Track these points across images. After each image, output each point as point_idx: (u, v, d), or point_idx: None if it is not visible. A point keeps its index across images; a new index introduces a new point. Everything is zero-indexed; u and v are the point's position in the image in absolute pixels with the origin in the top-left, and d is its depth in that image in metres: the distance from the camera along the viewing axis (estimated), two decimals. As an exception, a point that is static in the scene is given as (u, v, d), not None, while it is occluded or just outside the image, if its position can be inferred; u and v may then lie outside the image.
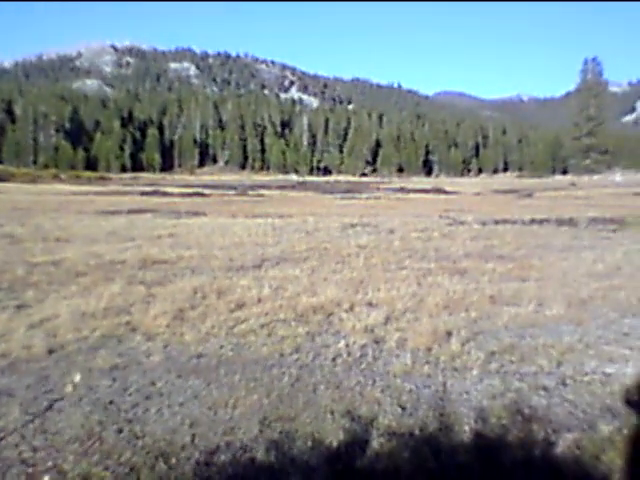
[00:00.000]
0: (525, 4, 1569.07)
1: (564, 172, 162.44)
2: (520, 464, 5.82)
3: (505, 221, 31.13)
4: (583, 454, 6.02)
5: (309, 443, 6.07)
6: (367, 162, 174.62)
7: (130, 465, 5.58)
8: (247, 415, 6.67)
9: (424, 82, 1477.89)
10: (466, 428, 6.47)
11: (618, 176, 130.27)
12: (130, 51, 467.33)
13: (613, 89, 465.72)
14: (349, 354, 8.77)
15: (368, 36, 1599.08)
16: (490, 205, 49.90)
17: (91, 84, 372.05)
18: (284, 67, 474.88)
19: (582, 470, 5.85)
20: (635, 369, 8.07)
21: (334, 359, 8.57)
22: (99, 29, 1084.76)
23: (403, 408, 6.91)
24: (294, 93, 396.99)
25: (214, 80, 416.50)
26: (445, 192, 79.57)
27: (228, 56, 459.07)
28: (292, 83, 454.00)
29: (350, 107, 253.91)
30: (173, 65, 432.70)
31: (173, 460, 5.67)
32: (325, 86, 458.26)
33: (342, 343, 9.23)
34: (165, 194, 64.22)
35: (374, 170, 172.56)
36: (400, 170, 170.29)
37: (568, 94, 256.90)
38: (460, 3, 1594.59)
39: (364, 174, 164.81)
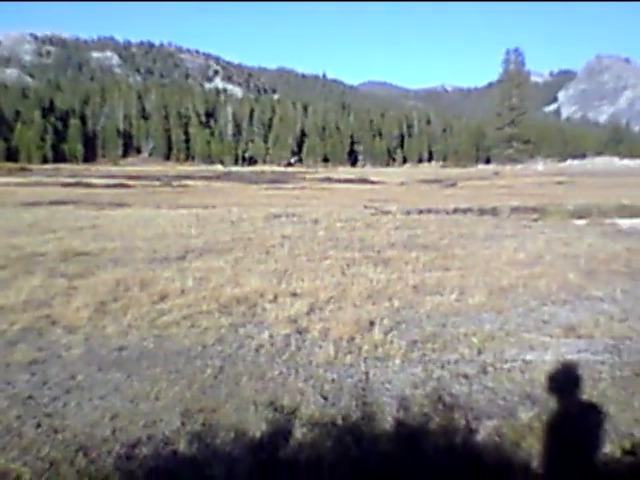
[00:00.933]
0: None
1: (487, 161, 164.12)
2: (442, 452, 5.88)
3: (429, 211, 31.37)
4: (503, 441, 6.10)
5: (232, 434, 6.05)
6: (292, 152, 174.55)
7: (49, 460, 5.50)
8: (169, 407, 6.63)
9: (349, 72, 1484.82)
10: (388, 417, 6.52)
11: (540, 165, 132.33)
12: (51, 40, 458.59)
13: (535, 79, 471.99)
14: (272, 345, 8.76)
15: (293, 25, 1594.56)
16: (414, 195, 50.28)
17: (10, 73, 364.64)
18: (208, 56, 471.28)
19: (502, 456, 5.93)
20: (554, 356, 8.19)
21: (257, 350, 8.56)
22: (18, 17, 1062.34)
23: (326, 398, 6.93)
24: (218, 83, 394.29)
25: (137, 70, 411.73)
26: (370, 182, 79.90)
27: (151, 45, 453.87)
28: (216, 73, 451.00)
29: (275, 97, 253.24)
30: (95, 54, 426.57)
31: (93, 454, 5.60)
32: (250, 76, 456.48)
33: (265, 334, 9.22)
34: (88, 185, 63.39)
35: (299, 160, 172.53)
36: (325, 160, 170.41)
37: (491, 84, 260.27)
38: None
39: (289, 164, 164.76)
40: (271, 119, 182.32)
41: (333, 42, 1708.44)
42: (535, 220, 26.94)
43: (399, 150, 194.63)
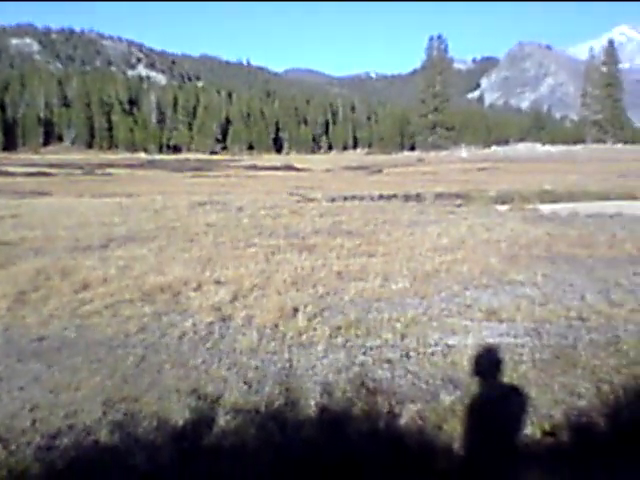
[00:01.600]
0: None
1: (412, 148, 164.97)
2: (365, 436, 5.91)
3: (354, 197, 31.49)
4: (426, 424, 6.16)
5: (154, 423, 6.02)
6: (217, 140, 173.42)
7: (-33, 452, 5.41)
8: (90, 397, 6.55)
9: (274, 59, 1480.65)
10: (312, 403, 6.53)
11: (464, 152, 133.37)
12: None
13: (458, 66, 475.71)
14: (195, 333, 8.73)
15: (215, 12, 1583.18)
16: (340, 182, 50.40)
17: None
18: (131, 43, 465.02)
19: (425, 440, 5.99)
20: (476, 340, 8.29)
21: (180, 338, 8.51)
22: None
23: (249, 385, 6.93)
24: (141, 70, 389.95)
25: (58, 57, 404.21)
26: (295, 169, 79.90)
27: (72, 32, 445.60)
28: (139, 60, 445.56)
29: (199, 84, 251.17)
30: (14, 41, 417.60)
31: (13, 446, 5.52)
32: (173, 63, 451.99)
33: (189, 322, 9.17)
34: (8, 174, 62.20)
35: (224, 148, 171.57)
36: (251, 147, 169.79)
37: (415, 71, 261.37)
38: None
39: (214, 152, 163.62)
40: (195, 107, 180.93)
41: (257, 29, 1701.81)
42: (459, 206, 27.24)
43: (324, 137, 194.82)
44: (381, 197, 31.71)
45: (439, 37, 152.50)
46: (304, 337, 8.43)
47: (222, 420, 6.11)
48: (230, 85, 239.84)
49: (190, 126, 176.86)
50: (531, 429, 6.11)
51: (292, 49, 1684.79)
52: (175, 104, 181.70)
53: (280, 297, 10.40)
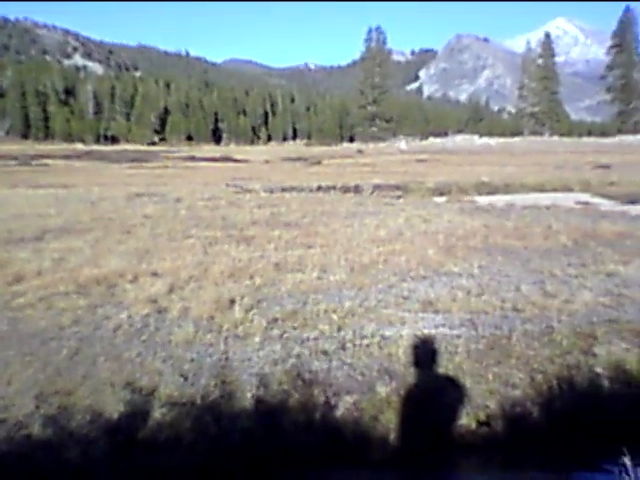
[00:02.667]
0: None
1: (351, 140, 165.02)
2: (301, 428, 5.92)
3: (292, 189, 31.44)
4: (362, 415, 6.19)
5: (88, 416, 5.97)
6: (155, 131, 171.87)
7: None
8: (22, 391, 6.47)
9: (212, 49, 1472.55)
10: (248, 395, 6.54)
11: (402, 143, 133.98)
12: None
13: (397, 58, 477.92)
14: (131, 325, 8.66)
15: (153, 1, 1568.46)
16: (278, 173, 50.27)
17: None
18: (67, 32, 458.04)
19: (361, 430, 6.02)
20: (412, 331, 8.33)
21: (115, 330, 8.43)
22: None
23: (185, 378, 6.90)
24: (78, 59, 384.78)
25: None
26: (234, 160, 79.53)
27: (6, 20, 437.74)
28: (75, 49, 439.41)
29: (137, 74, 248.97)
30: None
31: (-58, 442, 5.44)
32: (110, 52, 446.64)
33: (124, 314, 9.09)
34: (-61, 165, 61.04)
35: (163, 139, 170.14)
36: (189, 138, 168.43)
37: (354, 63, 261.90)
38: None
39: (153, 143, 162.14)
40: (133, 97, 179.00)
41: (195, 19, 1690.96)
42: (397, 197, 27.37)
43: (263, 128, 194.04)
44: (320, 188, 31.69)
45: (378, 29, 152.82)
46: (240, 329, 8.40)
47: (157, 413, 6.09)
48: (168, 75, 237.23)
49: (128, 117, 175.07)
50: (466, 419, 6.18)
51: (231, 40, 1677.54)
52: (112, 94, 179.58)
53: (217, 289, 10.36)
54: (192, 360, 7.38)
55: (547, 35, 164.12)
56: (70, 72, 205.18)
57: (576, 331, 8.21)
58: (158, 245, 14.66)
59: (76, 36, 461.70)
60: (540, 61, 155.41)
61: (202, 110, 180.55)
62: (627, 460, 3.32)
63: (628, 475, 3.29)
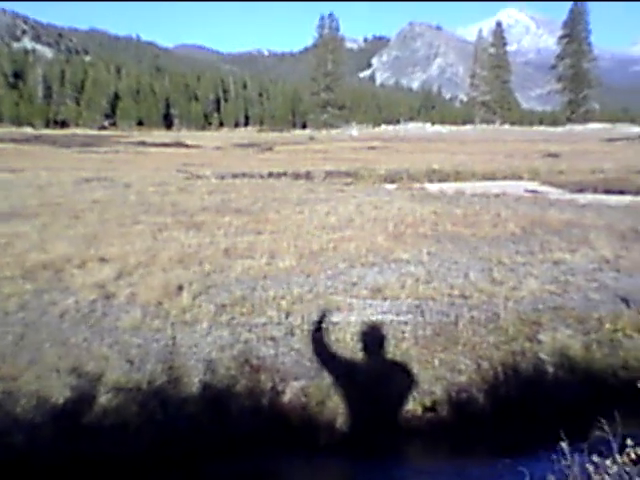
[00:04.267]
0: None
1: (304, 126, 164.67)
2: (248, 413, 5.92)
3: (244, 175, 31.40)
4: (309, 401, 6.21)
5: (33, 402, 5.93)
6: (106, 115, 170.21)
7: None
8: (-34, 377, 6.41)
9: (164, 34, 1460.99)
10: (195, 380, 6.54)
11: (354, 130, 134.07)
12: None
13: (350, 45, 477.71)
14: (78, 311, 8.59)
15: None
16: (230, 159, 50.12)
17: None
18: (15, 15, 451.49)
19: (308, 415, 6.04)
20: (360, 317, 8.36)
21: (62, 316, 8.37)
22: None
23: (131, 363, 6.87)
24: (27, 43, 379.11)
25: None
26: (185, 146, 79.07)
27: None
28: (24, 32, 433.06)
29: (87, 58, 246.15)
30: None
31: None
32: (60, 36, 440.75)
33: (71, 300, 9.02)
34: None
35: (113, 124, 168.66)
36: (140, 124, 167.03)
37: (307, 49, 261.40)
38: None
39: (103, 127, 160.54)
40: (83, 81, 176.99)
41: (146, 3, 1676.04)
42: (348, 184, 27.39)
43: (216, 114, 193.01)
44: (271, 175, 31.68)
45: (330, 16, 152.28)
46: (188, 315, 8.38)
47: (103, 398, 6.07)
48: (119, 60, 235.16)
49: (78, 101, 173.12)
50: (412, 405, 6.22)
51: (182, 25, 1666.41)
52: (62, 78, 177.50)
53: (165, 275, 10.32)
54: (139, 346, 7.35)
55: (499, 24, 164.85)
56: (19, 55, 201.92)
57: (522, 318, 8.29)
58: (107, 230, 14.56)
59: (25, 19, 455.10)
60: (492, 50, 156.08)
61: (153, 95, 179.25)
62: (565, 445, 3.37)
63: (565, 460, 3.33)
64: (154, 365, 6.82)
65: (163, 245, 12.86)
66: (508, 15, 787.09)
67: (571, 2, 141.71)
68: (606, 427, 3.49)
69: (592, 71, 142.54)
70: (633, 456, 3.09)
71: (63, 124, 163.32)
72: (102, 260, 11.41)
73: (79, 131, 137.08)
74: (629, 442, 3.12)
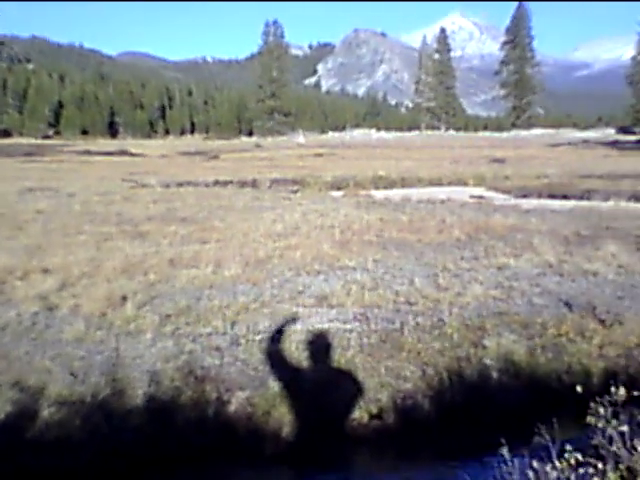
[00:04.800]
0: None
1: (250, 134, 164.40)
2: (194, 424, 5.90)
3: (189, 183, 31.28)
4: (255, 410, 6.20)
5: (-26, 417, 5.84)
6: (50, 124, 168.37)
7: None
8: None
9: (107, 42, 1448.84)
10: (139, 392, 6.49)
11: (301, 137, 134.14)
12: None
13: (295, 52, 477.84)
14: (19, 323, 8.48)
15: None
16: (175, 167, 49.90)
17: None
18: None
19: (254, 425, 6.03)
20: (306, 325, 8.36)
21: (3, 329, 8.26)
22: None
23: (75, 376, 6.80)
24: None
25: None
26: (131, 154, 78.65)
27: None
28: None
29: (30, 66, 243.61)
30: None
31: None
32: (1, 44, 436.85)
33: (13, 312, 8.90)
34: None
35: (58, 132, 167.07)
36: (85, 132, 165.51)
37: (252, 56, 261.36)
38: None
39: (47, 136, 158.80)
40: (26, 90, 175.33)
41: (89, 10, 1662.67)
42: (294, 192, 27.40)
43: (161, 122, 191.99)
44: (217, 183, 31.59)
45: (275, 22, 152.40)
46: (132, 326, 8.32)
47: (46, 412, 6.00)
48: (62, 68, 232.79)
49: (21, 110, 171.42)
50: (359, 412, 6.24)
51: (125, 32, 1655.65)
52: (4, 87, 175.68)
53: (110, 285, 10.24)
54: (82, 358, 7.28)
55: (442, 30, 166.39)
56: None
57: (467, 324, 8.36)
58: (50, 241, 14.39)
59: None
60: (436, 56, 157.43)
61: (97, 104, 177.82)
62: (505, 451, 3.40)
63: (506, 465, 3.36)
64: (98, 377, 6.76)
65: (107, 255, 12.74)
66: (452, 21, 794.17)
67: (513, 7, 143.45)
68: (545, 433, 3.52)
69: (535, 77, 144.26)
70: (572, 461, 3.12)
71: (6, 133, 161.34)
72: (45, 271, 11.27)
73: (22, 140, 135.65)
74: (568, 447, 3.14)
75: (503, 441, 3.50)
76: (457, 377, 6.78)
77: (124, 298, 9.44)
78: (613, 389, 3.40)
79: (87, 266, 11.62)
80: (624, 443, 3.08)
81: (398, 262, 12.28)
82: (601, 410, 3.28)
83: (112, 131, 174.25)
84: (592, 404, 3.38)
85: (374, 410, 6.32)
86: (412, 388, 6.65)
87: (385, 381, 6.75)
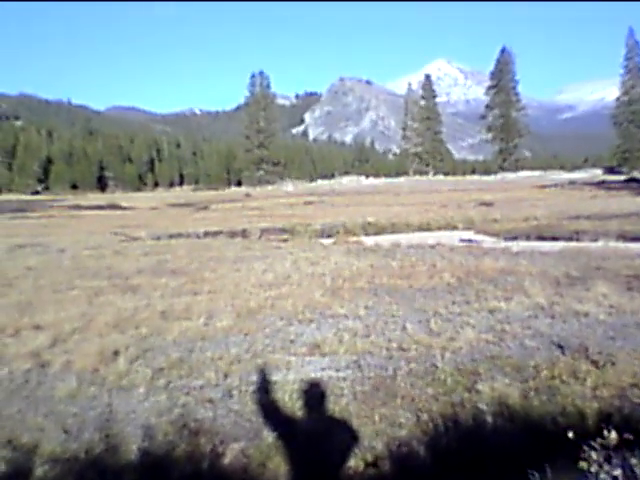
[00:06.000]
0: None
1: (239, 184, 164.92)
2: (189, 477, 5.86)
3: (179, 235, 31.37)
4: (250, 462, 6.15)
5: (-35, 478, 5.80)
6: (39, 180, 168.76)
7: None
8: None
9: (95, 97, 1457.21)
10: (133, 447, 6.43)
11: (290, 186, 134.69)
12: None
13: (282, 102, 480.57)
14: (11, 381, 8.44)
15: (34, 51, 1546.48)
16: (165, 219, 49.98)
17: None
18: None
19: (249, 477, 5.98)
20: (299, 375, 8.33)
21: (-4, 388, 8.21)
22: None
23: (68, 433, 6.76)
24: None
25: None
26: (120, 208, 78.91)
27: None
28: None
29: (18, 123, 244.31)
30: None
31: None
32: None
33: (4, 370, 8.86)
34: None
35: (47, 188, 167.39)
36: (74, 187, 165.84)
37: (239, 107, 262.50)
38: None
39: (37, 192, 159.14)
40: (15, 146, 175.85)
41: (77, 67, 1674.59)
42: (284, 240, 27.48)
43: (150, 174, 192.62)
44: (207, 234, 31.69)
45: (261, 73, 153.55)
46: (125, 380, 8.28)
47: (39, 470, 5.95)
48: (51, 124, 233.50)
49: (10, 166, 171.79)
50: (354, 461, 6.18)
51: (113, 87, 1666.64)
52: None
53: (101, 340, 10.21)
54: (75, 414, 7.24)
55: (427, 77, 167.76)
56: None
57: (460, 368, 8.32)
58: (41, 297, 14.38)
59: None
60: (422, 102, 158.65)
61: (86, 158, 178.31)
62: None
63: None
64: (91, 434, 6.71)
65: (99, 310, 12.72)
66: (437, 68, 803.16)
67: (497, 52, 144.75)
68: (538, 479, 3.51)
69: (521, 120, 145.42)
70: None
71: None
72: (36, 327, 11.25)
73: (12, 196, 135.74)
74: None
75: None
76: (451, 422, 6.73)
77: (116, 353, 9.40)
78: (605, 433, 3.39)
79: (79, 321, 11.59)
80: (618, 487, 3.07)
81: (390, 308, 12.25)
82: (593, 455, 3.27)
83: (101, 185, 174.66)
84: (585, 448, 3.37)
85: (369, 458, 6.26)
86: (407, 435, 6.60)
87: (380, 428, 6.71)
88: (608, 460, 3.23)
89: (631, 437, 3.49)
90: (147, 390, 7.94)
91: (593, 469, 3.20)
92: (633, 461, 3.30)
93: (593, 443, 3.32)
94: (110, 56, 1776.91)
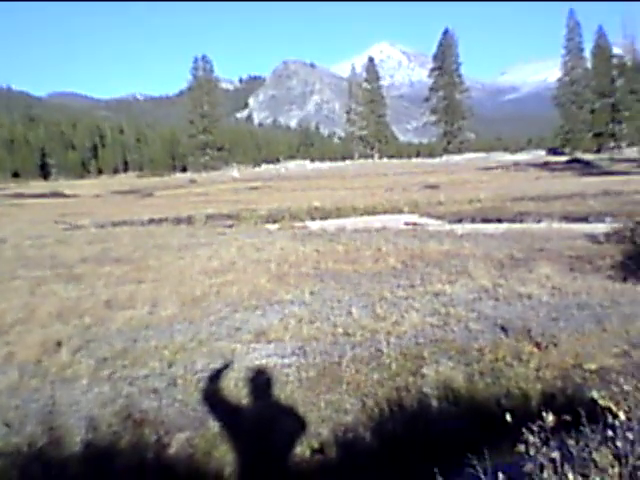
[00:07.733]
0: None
1: (184, 169, 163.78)
2: (133, 469, 5.81)
3: (124, 222, 31.08)
4: (196, 452, 6.12)
5: None
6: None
7: None
8: None
9: (36, 83, 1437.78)
10: (77, 439, 6.38)
11: (235, 171, 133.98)
12: None
13: (225, 86, 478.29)
14: (-49, 375, 8.31)
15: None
16: (109, 207, 49.54)
17: None
18: None
19: (195, 466, 5.95)
20: (244, 363, 8.31)
21: None
22: None
23: (9, 426, 6.67)
24: None
25: None
26: (64, 195, 77.99)
27: None
28: None
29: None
30: None
31: None
32: None
33: (-58, 365, 8.73)
34: None
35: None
36: (16, 175, 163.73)
37: (182, 92, 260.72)
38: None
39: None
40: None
41: (15, 52, 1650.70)
42: (230, 227, 27.35)
43: (93, 161, 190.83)
44: (152, 221, 31.42)
45: (204, 58, 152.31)
46: (68, 371, 8.20)
47: (-19, 465, 5.87)
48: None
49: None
50: (300, 448, 6.18)
51: (54, 72, 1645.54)
52: None
53: (44, 330, 10.10)
54: (17, 407, 7.15)
55: (371, 59, 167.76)
56: None
57: (405, 353, 8.35)
58: (-20, 289, 14.17)
59: None
60: (366, 85, 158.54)
61: (28, 145, 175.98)
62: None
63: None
64: (34, 427, 6.63)
65: (42, 300, 12.58)
66: (380, 50, 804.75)
67: (440, 34, 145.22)
68: (477, 462, 3.52)
69: (465, 102, 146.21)
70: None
71: None
72: (-23, 320, 11.10)
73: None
74: (501, 476, 3.15)
75: (436, 470, 3.53)
76: (397, 407, 6.76)
77: (59, 343, 9.31)
78: (544, 414, 3.41)
79: (21, 312, 11.46)
80: (555, 470, 3.09)
81: (335, 293, 12.28)
82: (530, 438, 3.28)
83: (44, 173, 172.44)
84: (524, 431, 3.39)
85: (315, 445, 6.26)
86: (352, 420, 6.61)
87: (325, 415, 6.71)
88: (546, 442, 3.25)
89: (569, 418, 3.52)
90: (90, 381, 7.87)
91: (531, 452, 3.22)
92: (570, 442, 3.33)
93: (532, 426, 3.34)
94: (49, 40, 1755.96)
